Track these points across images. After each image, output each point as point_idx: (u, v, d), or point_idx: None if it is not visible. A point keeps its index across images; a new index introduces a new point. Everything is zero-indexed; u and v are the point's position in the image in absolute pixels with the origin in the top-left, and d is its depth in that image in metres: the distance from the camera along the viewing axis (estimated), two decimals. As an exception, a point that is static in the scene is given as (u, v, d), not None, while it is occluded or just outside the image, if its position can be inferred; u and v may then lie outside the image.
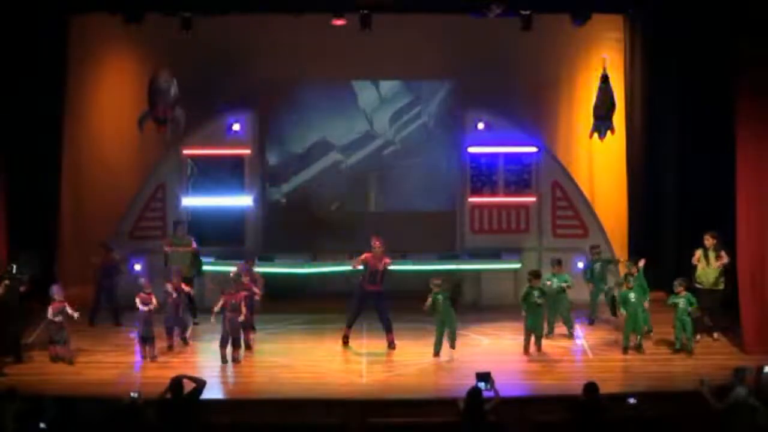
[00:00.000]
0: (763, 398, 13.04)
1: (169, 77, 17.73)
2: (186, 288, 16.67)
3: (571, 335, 16.87)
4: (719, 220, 16.99)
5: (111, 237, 18.51)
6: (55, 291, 15.89)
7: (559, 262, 17.21)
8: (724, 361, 15.71)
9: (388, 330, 16.66)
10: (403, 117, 19.83)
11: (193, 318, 17.42)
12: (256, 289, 16.67)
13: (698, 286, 16.66)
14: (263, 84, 19.41)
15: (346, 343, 16.69)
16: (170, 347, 16.35)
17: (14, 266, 15.87)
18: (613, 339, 16.97)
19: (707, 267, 16.72)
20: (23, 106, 18.01)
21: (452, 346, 16.14)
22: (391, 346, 16.61)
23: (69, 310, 15.79)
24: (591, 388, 13.00)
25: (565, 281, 16.91)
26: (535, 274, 16.50)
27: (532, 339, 16.32)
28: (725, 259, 16.59)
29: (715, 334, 16.87)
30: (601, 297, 17.73)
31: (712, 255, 16.70)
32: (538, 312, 16.29)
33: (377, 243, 16.56)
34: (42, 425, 12.45)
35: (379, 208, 19.90)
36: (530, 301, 16.24)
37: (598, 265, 17.80)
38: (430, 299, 16.01)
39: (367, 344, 16.79)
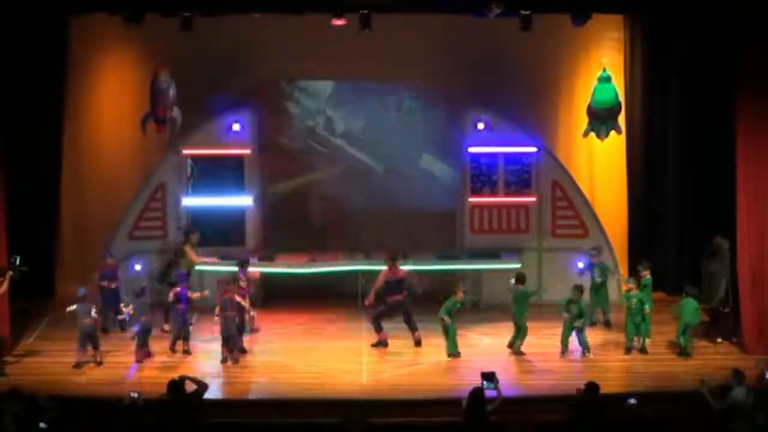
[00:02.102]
0: (763, 404, 13.07)
1: (169, 78, 17.74)
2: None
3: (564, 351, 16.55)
4: (719, 220, 17.00)
5: (111, 239, 18.52)
6: (84, 293, 15.92)
7: (580, 288, 16.57)
8: (724, 361, 15.73)
9: (414, 329, 16.86)
10: (411, 129, 19.90)
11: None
12: (245, 304, 16.51)
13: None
14: (263, 84, 19.42)
15: (383, 345, 16.79)
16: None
17: (18, 258, 15.90)
18: (613, 339, 16.98)
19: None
20: (23, 106, 18.04)
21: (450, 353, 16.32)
22: (418, 344, 16.76)
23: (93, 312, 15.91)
24: (591, 388, 13.02)
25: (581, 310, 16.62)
26: (521, 278, 16.57)
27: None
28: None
29: (719, 339, 16.90)
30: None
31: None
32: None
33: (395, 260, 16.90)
34: (42, 425, 12.44)
35: (379, 208, 19.89)
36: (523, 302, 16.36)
37: (597, 270, 17.75)
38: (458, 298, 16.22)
39: (367, 344, 16.80)
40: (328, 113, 19.88)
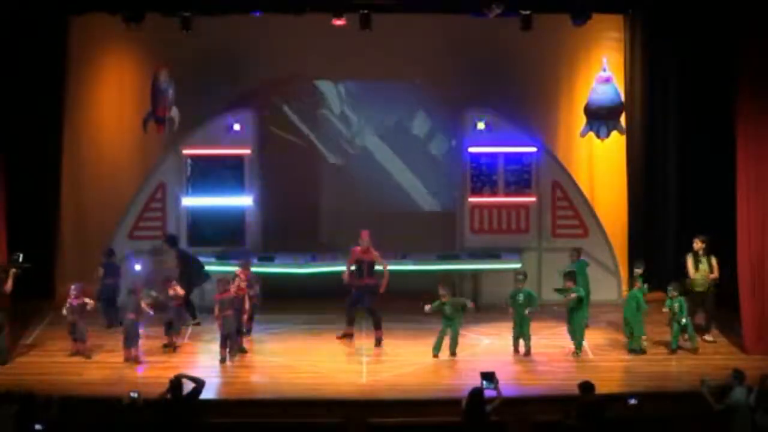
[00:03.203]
0: (763, 404, 13.08)
1: (169, 78, 17.76)
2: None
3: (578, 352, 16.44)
4: (719, 220, 17.01)
5: (111, 239, 18.53)
6: (74, 289, 16.08)
7: (571, 274, 16.62)
8: (724, 361, 15.73)
9: (377, 326, 16.76)
10: (411, 129, 19.93)
11: (192, 318, 17.58)
12: (246, 304, 16.48)
13: (691, 288, 16.73)
14: (263, 84, 19.43)
15: (345, 338, 16.86)
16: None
17: (21, 255, 15.94)
18: (612, 339, 16.97)
19: (696, 272, 16.81)
20: (23, 106, 18.05)
21: (453, 353, 16.20)
22: (378, 343, 16.69)
23: (88, 303, 16.14)
24: (586, 386, 13.01)
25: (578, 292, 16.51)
26: (523, 275, 16.53)
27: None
28: (715, 274, 16.76)
29: (708, 336, 16.88)
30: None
31: (703, 259, 16.77)
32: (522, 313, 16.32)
33: (364, 236, 16.78)
34: (38, 427, 12.40)
35: (379, 207, 19.89)
36: (516, 303, 16.28)
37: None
38: (430, 306, 16.12)
39: (367, 344, 16.80)
40: (327, 113, 19.88)
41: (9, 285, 15.77)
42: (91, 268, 17.82)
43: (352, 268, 16.84)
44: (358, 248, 16.82)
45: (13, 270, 15.79)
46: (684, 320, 16.24)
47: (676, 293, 16.31)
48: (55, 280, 18.92)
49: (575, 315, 16.30)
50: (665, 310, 16.40)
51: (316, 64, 19.30)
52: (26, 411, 12.63)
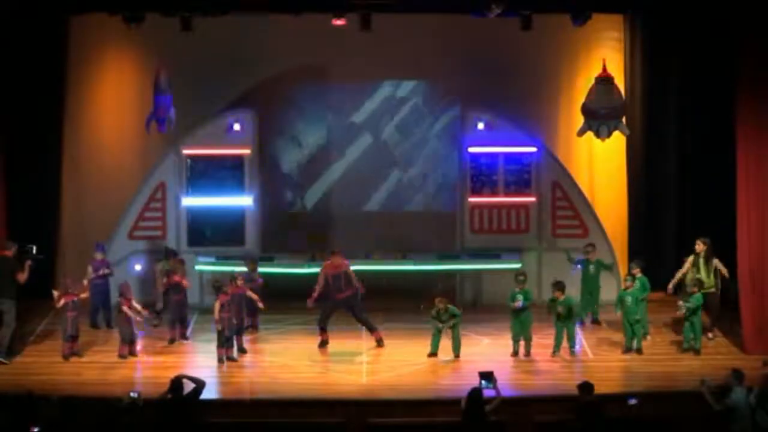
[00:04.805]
0: (764, 403, 13.09)
1: (169, 78, 17.78)
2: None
3: (573, 353, 16.39)
4: (719, 221, 17.00)
5: (110, 239, 18.54)
6: (69, 284, 16.15)
7: (560, 285, 16.41)
8: (724, 361, 15.72)
9: (372, 329, 16.73)
10: (411, 129, 19.88)
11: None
12: (254, 297, 16.61)
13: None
14: (263, 84, 19.43)
15: (323, 346, 16.74)
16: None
17: (34, 247, 16.00)
18: (612, 339, 16.97)
19: (699, 273, 16.77)
20: (23, 106, 18.05)
21: (456, 354, 16.18)
22: (380, 343, 16.68)
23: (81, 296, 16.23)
24: (586, 387, 13.02)
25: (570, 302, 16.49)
26: (522, 276, 16.49)
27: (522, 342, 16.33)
28: (724, 271, 16.73)
29: (710, 334, 16.89)
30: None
31: (702, 260, 16.74)
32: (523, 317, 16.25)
33: (334, 252, 16.78)
34: (36, 430, 12.40)
35: (379, 208, 19.89)
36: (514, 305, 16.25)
37: (592, 267, 17.70)
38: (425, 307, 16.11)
39: (367, 344, 16.79)
40: (327, 113, 19.87)
41: (25, 275, 15.98)
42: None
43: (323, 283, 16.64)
44: (329, 263, 16.71)
45: (28, 263, 15.94)
46: (692, 319, 16.20)
47: (695, 290, 16.24)
48: (55, 281, 18.88)
49: (569, 320, 16.26)
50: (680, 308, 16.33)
51: (315, 64, 19.29)
52: (25, 411, 12.63)
